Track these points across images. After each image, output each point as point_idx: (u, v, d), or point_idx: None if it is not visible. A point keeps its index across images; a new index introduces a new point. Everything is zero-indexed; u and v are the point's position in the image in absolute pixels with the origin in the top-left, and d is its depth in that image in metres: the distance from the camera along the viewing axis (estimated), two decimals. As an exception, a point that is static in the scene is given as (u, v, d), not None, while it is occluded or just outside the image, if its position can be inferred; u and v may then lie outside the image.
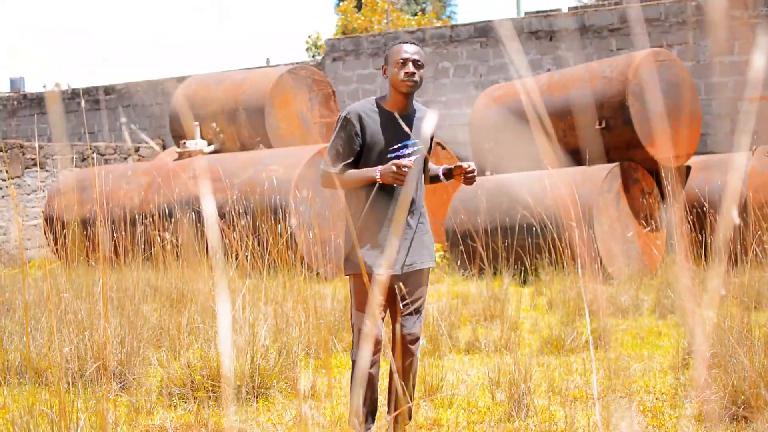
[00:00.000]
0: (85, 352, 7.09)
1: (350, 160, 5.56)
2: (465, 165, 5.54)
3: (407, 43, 5.61)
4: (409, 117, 5.67)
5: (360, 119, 5.57)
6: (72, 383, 6.57)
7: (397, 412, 5.57)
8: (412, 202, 5.60)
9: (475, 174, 5.52)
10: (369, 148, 5.53)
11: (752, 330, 6.85)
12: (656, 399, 6.88)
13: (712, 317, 7.05)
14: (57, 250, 14.57)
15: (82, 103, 27.54)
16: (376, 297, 5.37)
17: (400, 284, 5.56)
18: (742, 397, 5.92)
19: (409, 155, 5.57)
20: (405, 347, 5.60)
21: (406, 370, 5.61)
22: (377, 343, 5.52)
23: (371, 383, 5.56)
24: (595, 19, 20.45)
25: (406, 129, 5.54)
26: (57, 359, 6.21)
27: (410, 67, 5.51)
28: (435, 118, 4.89)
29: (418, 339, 5.67)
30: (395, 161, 5.34)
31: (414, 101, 5.74)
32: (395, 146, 5.56)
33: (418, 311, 5.68)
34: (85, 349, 7.09)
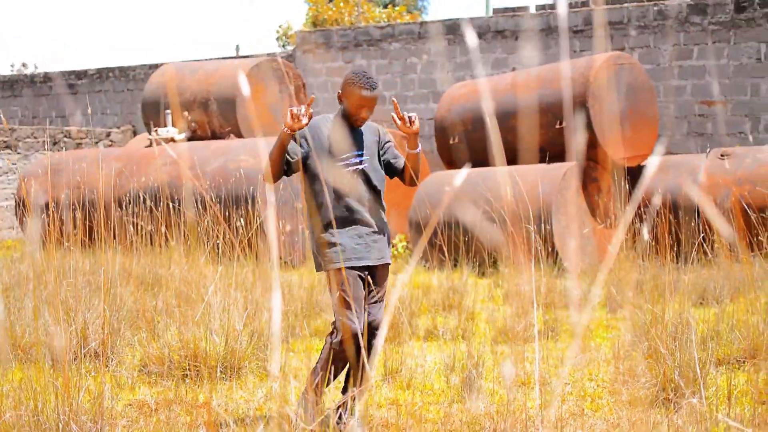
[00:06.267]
0: (69, 332, 7.57)
1: (291, 159, 6.07)
2: (405, 116, 6.08)
3: (369, 88, 6.10)
4: (360, 133, 6.26)
5: (314, 127, 6.17)
6: (56, 361, 7.05)
7: (361, 388, 6.10)
8: (366, 202, 6.17)
9: (413, 120, 6.05)
10: (319, 154, 6.10)
11: (688, 325, 7.44)
12: (597, 386, 7.47)
13: (654, 312, 7.64)
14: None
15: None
16: (359, 291, 5.98)
17: (369, 277, 6.14)
18: (672, 385, 6.51)
19: (358, 163, 6.15)
20: (371, 332, 6.12)
21: (370, 353, 6.16)
22: (357, 333, 6.01)
23: (342, 368, 6.15)
24: (560, 20, 21.02)
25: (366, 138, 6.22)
26: (50, 337, 6.70)
27: (366, 113, 6.13)
28: (382, 129, 5.77)
29: (379, 325, 6.20)
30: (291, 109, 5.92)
31: None
32: (346, 155, 6.13)
33: (382, 300, 6.24)
34: (69, 329, 7.58)
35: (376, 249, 6.16)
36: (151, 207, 13.33)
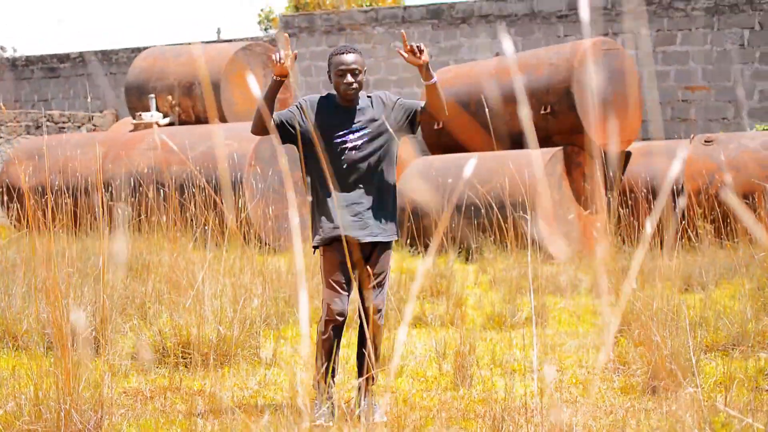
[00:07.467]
0: (60, 319, 7.55)
1: (284, 120, 6.11)
2: (414, 46, 6.03)
3: (345, 53, 6.13)
4: (354, 109, 6.22)
5: (311, 106, 6.21)
6: (49, 348, 7.04)
7: (366, 375, 6.13)
8: (365, 179, 6.15)
9: (422, 49, 6.00)
10: (319, 133, 6.09)
11: (679, 312, 7.49)
12: (587, 372, 7.52)
13: (643, 298, 7.69)
14: (18, 218, 14.95)
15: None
16: (342, 275, 5.98)
17: (363, 258, 6.12)
18: (663, 373, 6.56)
19: (355, 139, 6.13)
20: (369, 317, 6.10)
21: (372, 339, 6.14)
22: (341, 316, 6.06)
23: (331, 352, 6.12)
24: (545, 5, 21.07)
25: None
26: (42, 324, 6.70)
27: (349, 78, 6.10)
28: (385, 93, 6.04)
29: (380, 310, 6.16)
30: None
31: (361, 93, 6.31)
32: (341, 132, 6.13)
33: (381, 285, 6.17)
34: (61, 316, 7.56)
35: (368, 226, 6.12)
36: (143, 192, 13.27)
